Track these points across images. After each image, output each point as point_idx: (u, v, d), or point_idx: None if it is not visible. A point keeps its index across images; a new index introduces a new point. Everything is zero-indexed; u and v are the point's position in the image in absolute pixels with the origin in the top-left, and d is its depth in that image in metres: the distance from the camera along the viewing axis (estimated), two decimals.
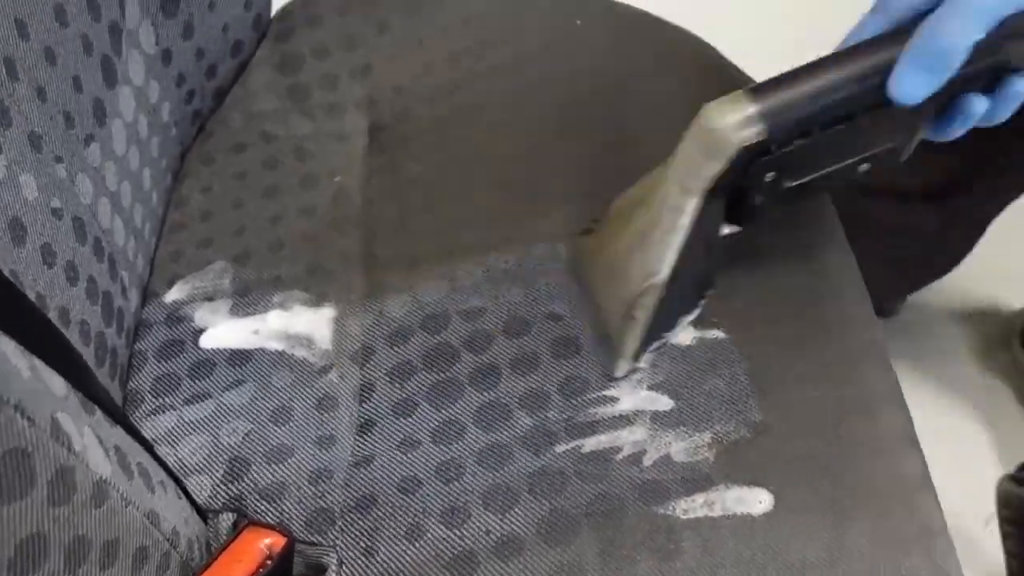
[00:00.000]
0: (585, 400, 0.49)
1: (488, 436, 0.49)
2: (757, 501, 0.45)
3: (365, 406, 0.51)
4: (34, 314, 0.37)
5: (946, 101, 0.44)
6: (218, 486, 0.48)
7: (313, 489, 0.47)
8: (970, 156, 0.81)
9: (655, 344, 0.50)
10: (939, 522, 0.46)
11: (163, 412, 0.52)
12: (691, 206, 0.44)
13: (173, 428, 0.51)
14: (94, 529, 0.34)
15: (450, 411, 0.50)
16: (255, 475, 0.48)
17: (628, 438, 0.48)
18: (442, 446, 0.48)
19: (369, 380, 0.52)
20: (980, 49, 0.40)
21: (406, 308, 0.55)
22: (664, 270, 0.46)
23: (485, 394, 0.50)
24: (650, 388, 0.49)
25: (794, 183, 0.45)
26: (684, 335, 0.51)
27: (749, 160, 0.43)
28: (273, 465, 0.49)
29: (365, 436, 0.50)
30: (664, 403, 0.49)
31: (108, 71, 0.52)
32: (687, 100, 0.45)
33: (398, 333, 0.54)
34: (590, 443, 0.48)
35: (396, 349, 0.53)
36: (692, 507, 0.45)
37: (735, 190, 0.45)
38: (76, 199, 0.48)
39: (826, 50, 0.45)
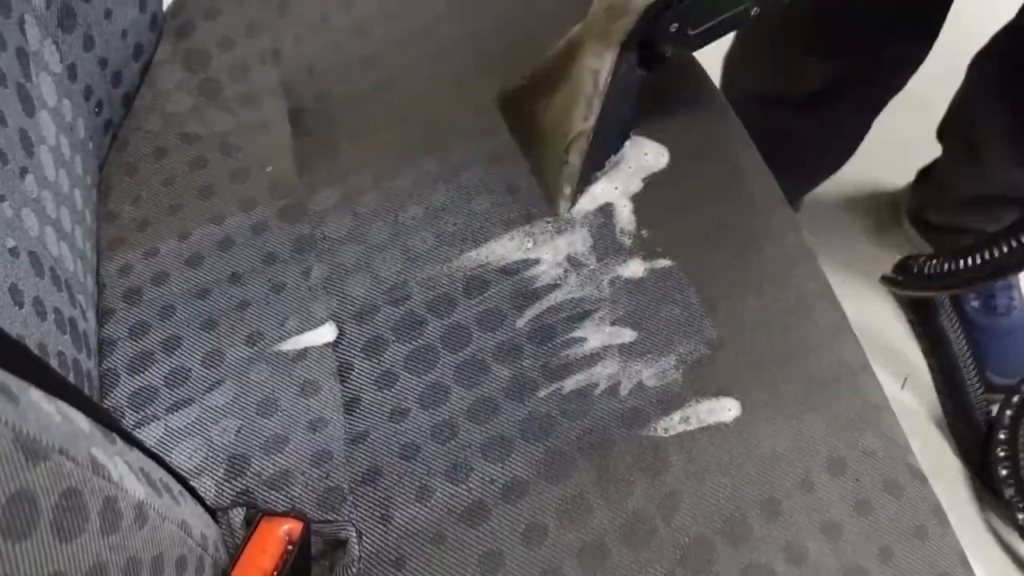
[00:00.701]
0: (555, 345, 0.53)
1: (472, 392, 0.52)
2: (726, 409, 0.50)
3: (347, 385, 0.53)
4: (31, 357, 0.38)
5: None
6: (222, 484, 0.50)
7: (317, 471, 0.50)
8: (843, 67, 0.88)
9: (588, 182, 0.55)
10: (881, 398, 0.52)
11: (148, 423, 0.53)
12: (608, 61, 0.50)
13: (162, 437, 0.52)
14: (142, 548, 0.36)
15: (431, 375, 0.53)
16: (257, 467, 0.50)
17: (602, 372, 0.51)
18: (431, 410, 0.51)
19: (345, 360, 0.54)
20: None
21: (366, 286, 0.57)
22: (591, 118, 0.52)
23: (459, 354, 0.53)
24: (613, 323, 0.53)
25: (695, 31, 0.52)
26: (635, 267, 0.55)
27: (654, 15, 0.49)
28: (272, 455, 0.51)
29: (354, 413, 0.52)
30: (628, 335, 0.53)
31: (25, 99, 0.51)
32: None
33: (363, 311, 0.56)
34: (569, 383, 0.51)
35: (365, 326, 0.55)
36: (671, 425, 0.49)
37: (645, 43, 0.51)
38: (26, 234, 0.48)
39: None
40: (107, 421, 0.38)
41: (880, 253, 1.13)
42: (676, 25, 0.51)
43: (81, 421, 0.35)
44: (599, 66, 0.50)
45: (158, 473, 0.41)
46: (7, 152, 0.48)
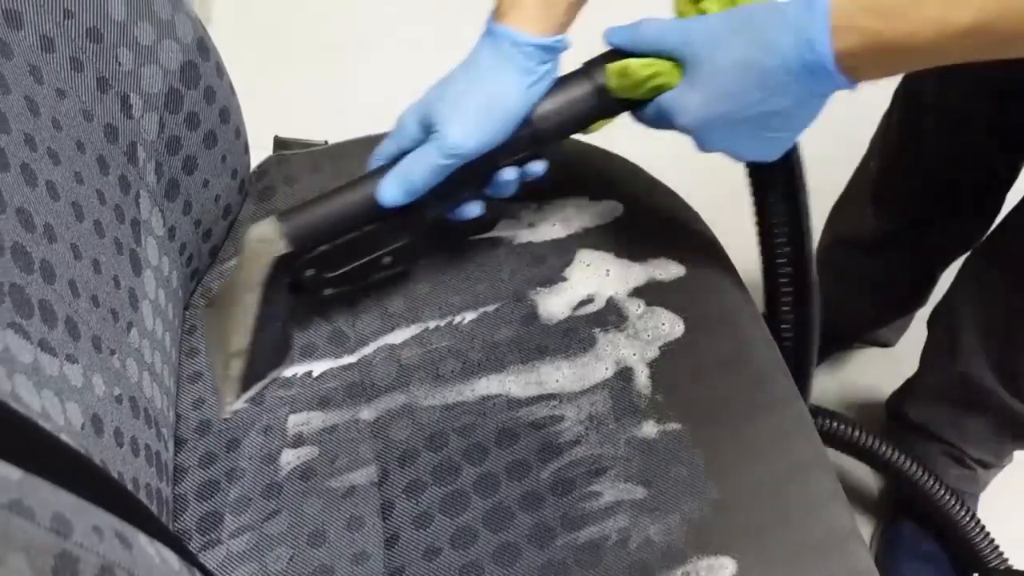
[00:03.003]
0: (574, 497, 0.59)
1: (498, 537, 0.58)
2: (724, 567, 0.56)
3: (388, 522, 0.60)
4: (137, 504, 0.46)
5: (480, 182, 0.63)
6: None
7: None
8: (900, 220, 0.97)
9: (250, 391, 0.66)
10: (867, 564, 0.58)
11: (213, 547, 0.60)
12: (253, 299, 0.62)
13: (224, 560, 0.59)
14: None
15: (462, 519, 0.59)
16: None
17: (614, 526, 0.58)
18: (460, 551, 0.58)
19: (388, 499, 0.61)
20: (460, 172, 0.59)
21: (408, 431, 0.64)
22: (245, 341, 0.63)
23: (489, 500, 0.60)
24: (626, 480, 0.60)
25: (332, 274, 0.64)
26: (649, 429, 0.62)
27: (287, 263, 0.61)
28: None
29: (393, 549, 0.59)
30: (639, 492, 0.59)
31: (135, 262, 0.61)
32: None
33: (406, 455, 0.63)
34: (583, 535, 0.58)
35: (407, 469, 0.62)
36: None
37: (291, 281, 0.64)
38: (128, 381, 0.57)
39: None
40: (190, 558, 0.46)
41: None
42: (312, 270, 0.62)
43: (173, 560, 0.42)
44: (247, 304, 0.62)
45: None
46: (118, 311, 0.57)
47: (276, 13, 1.67)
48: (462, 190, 0.63)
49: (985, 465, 1.03)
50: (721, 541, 0.57)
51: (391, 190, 0.59)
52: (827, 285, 1.11)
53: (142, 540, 0.40)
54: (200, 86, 0.66)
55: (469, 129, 0.57)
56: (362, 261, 0.64)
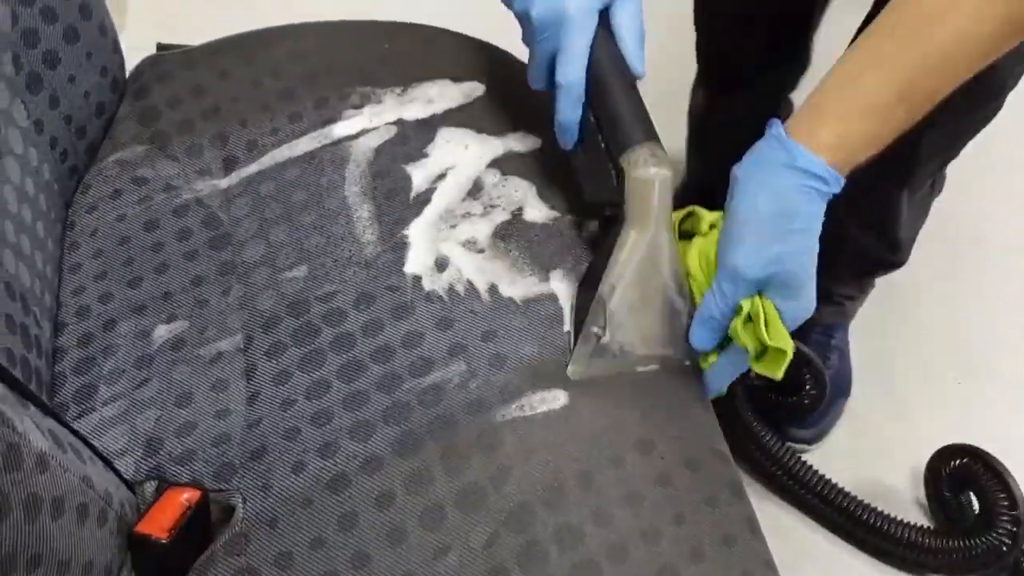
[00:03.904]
0: (423, 348, 0.63)
1: (349, 387, 0.62)
2: (556, 399, 0.59)
3: (251, 382, 0.63)
4: None
5: None
6: (140, 462, 0.60)
7: (216, 451, 0.60)
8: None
9: None
10: (697, 393, 0.61)
11: (87, 414, 0.63)
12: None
13: (97, 425, 0.62)
14: (43, 489, 0.46)
15: (317, 374, 0.63)
16: (169, 448, 0.60)
17: (456, 370, 0.61)
18: (314, 400, 0.61)
19: (252, 362, 0.64)
20: None
21: (272, 300, 0.67)
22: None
23: (344, 356, 0.63)
24: (472, 332, 0.63)
25: None
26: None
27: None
28: (182, 438, 0.61)
29: (253, 405, 0.62)
30: (482, 342, 0.63)
31: None
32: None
33: (269, 322, 0.66)
34: (428, 379, 0.61)
35: (270, 334, 0.66)
36: (508, 412, 0.59)
37: None
38: None
39: None
40: (25, 392, 0.49)
41: None
42: None
43: None
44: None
45: (68, 438, 0.51)
46: None
47: None
48: None
49: (851, 298, 1.10)
50: (556, 378, 0.61)
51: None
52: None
53: None
54: None
55: None
56: None
